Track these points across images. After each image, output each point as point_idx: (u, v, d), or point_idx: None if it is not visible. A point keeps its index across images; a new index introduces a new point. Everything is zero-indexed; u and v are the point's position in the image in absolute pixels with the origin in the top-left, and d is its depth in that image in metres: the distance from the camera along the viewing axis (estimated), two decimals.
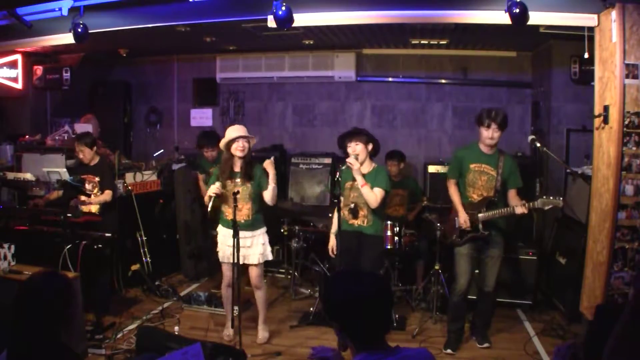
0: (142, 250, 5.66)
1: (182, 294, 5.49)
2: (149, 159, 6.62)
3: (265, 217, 4.40)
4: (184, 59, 7.85)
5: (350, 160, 4.07)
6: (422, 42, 6.39)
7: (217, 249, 4.36)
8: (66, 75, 7.13)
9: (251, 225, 4.24)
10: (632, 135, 3.65)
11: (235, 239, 3.87)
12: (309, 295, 5.49)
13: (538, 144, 4.52)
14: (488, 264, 4.18)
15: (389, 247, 4.98)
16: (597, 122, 3.93)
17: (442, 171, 6.07)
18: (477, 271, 4.30)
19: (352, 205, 4.21)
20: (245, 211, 4.21)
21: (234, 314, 4.30)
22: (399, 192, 5.59)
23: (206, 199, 4.21)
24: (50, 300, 2.09)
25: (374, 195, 4.08)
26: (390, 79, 7.17)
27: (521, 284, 5.06)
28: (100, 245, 4.43)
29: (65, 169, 5.20)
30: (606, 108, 3.77)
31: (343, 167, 4.26)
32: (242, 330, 3.97)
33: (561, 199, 4.05)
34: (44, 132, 6.90)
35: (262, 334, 4.40)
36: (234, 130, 4.20)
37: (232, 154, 4.21)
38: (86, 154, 5.02)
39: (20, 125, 7.11)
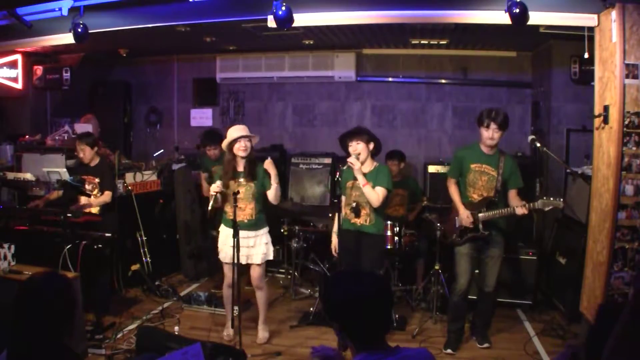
0: (142, 250, 5.66)
1: (182, 294, 5.49)
2: (149, 159, 6.62)
3: (266, 217, 4.40)
4: (184, 59, 7.85)
5: (351, 160, 4.06)
6: (422, 42, 6.39)
7: (218, 249, 4.35)
8: (66, 75, 7.13)
9: (254, 225, 4.23)
10: (632, 135, 3.64)
11: (235, 239, 3.86)
12: (309, 295, 5.50)
13: (538, 144, 4.50)
14: (488, 264, 4.18)
15: (389, 247, 4.98)
16: (597, 122, 3.93)
17: (442, 171, 6.08)
18: (477, 271, 4.30)
19: (354, 204, 4.19)
20: (248, 211, 4.21)
21: (234, 314, 4.30)
22: (399, 192, 5.59)
23: (210, 196, 4.19)
24: (50, 300, 2.08)
25: (375, 195, 4.07)
26: (390, 79, 7.17)
27: (521, 284, 5.06)
28: (100, 245, 4.42)
29: (65, 169, 5.20)
30: (606, 108, 3.77)
31: (344, 167, 4.25)
32: (242, 330, 3.97)
33: (561, 200, 4.05)
34: (44, 132, 6.89)
35: (262, 334, 4.40)
36: (236, 130, 4.20)
37: (234, 155, 4.21)
38: (87, 154, 5.01)
39: (20, 125, 7.11)
